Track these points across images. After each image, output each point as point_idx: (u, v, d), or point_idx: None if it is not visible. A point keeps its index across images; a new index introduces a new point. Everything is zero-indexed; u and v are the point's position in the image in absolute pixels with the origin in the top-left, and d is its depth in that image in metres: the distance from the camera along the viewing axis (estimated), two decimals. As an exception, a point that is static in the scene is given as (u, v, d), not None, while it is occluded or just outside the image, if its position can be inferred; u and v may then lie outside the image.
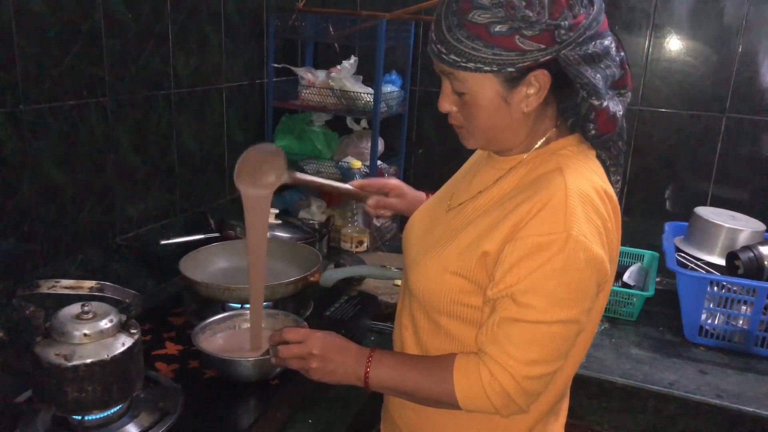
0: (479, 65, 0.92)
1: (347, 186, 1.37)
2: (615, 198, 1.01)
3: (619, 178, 1.08)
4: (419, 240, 1.14)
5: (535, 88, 0.94)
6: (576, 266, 0.90)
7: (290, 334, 1.11)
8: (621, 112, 1.00)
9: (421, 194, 1.39)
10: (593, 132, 1.00)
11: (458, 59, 0.92)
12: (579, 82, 0.94)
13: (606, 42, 0.94)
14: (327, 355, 1.07)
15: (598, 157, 1.06)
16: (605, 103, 0.96)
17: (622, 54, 1.00)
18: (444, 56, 0.94)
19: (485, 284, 0.98)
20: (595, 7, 0.92)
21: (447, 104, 1.01)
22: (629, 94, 1.03)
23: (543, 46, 0.90)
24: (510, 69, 0.91)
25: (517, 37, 0.89)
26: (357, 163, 2.18)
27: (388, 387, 1.05)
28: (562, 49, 0.91)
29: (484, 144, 1.05)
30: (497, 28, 0.89)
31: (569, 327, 0.93)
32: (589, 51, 0.92)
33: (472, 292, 1.00)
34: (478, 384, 0.95)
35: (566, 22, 0.89)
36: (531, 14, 0.88)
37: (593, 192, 0.95)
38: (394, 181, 1.39)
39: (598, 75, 0.94)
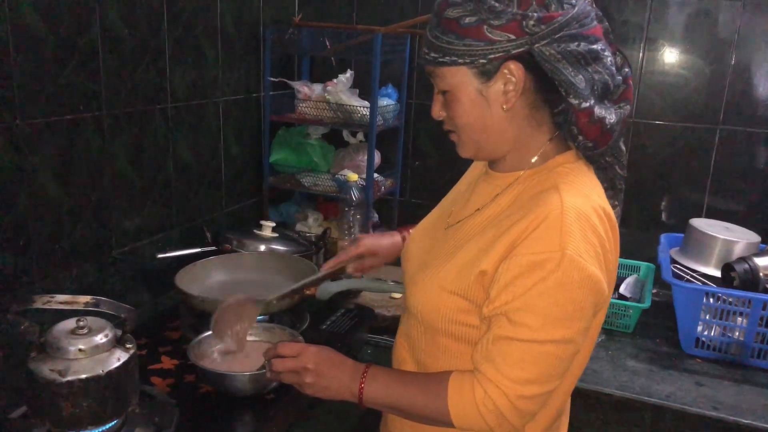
0: (453, 58, 0.94)
1: (323, 272, 1.34)
2: (614, 217, 1.01)
3: (617, 203, 1.07)
4: (418, 258, 1.14)
5: (512, 83, 0.95)
6: (570, 286, 0.90)
7: (284, 349, 1.11)
8: (613, 120, 0.98)
9: (396, 238, 1.35)
10: (580, 138, 0.98)
11: (436, 55, 0.96)
12: (557, 79, 0.93)
13: (595, 47, 0.93)
14: (321, 370, 1.07)
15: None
16: (585, 104, 0.94)
17: (627, 70, 1.01)
18: (426, 56, 0.98)
19: (483, 303, 0.98)
20: (577, 9, 0.92)
21: (437, 108, 1.04)
22: (628, 107, 1.02)
23: (512, 37, 0.91)
24: (482, 60, 0.93)
25: (486, 27, 0.91)
26: (353, 176, 2.18)
27: (382, 403, 1.05)
28: (535, 42, 0.91)
29: (475, 151, 1.04)
30: (466, 20, 0.92)
31: (563, 347, 0.93)
32: (570, 49, 0.91)
33: (470, 311, 1.00)
34: (472, 402, 0.95)
35: (535, 14, 0.90)
36: (497, 5, 0.91)
37: (591, 210, 0.95)
38: (364, 243, 1.34)
39: (581, 76, 0.93)
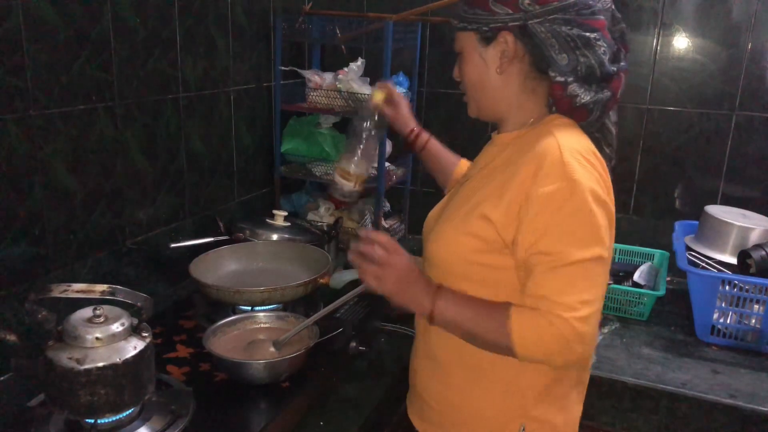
0: (464, 24, 1.11)
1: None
2: (604, 161, 1.10)
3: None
4: (436, 214, 1.25)
5: (506, 51, 1.08)
6: (587, 207, 0.99)
7: (377, 251, 1.10)
8: (585, 100, 1.08)
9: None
10: (554, 109, 1.12)
11: (456, 22, 1.13)
12: (542, 54, 1.06)
13: (587, 34, 1.04)
14: (401, 287, 1.11)
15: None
16: (560, 78, 1.06)
17: (623, 64, 1.11)
18: (453, 23, 1.14)
19: (495, 241, 1.06)
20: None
21: (456, 69, 1.18)
22: (608, 93, 1.10)
23: (510, 11, 1.05)
24: (484, 28, 1.08)
25: (491, 1, 1.06)
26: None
27: (450, 321, 1.09)
28: (529, 19, 1.04)
29: (477, 110, 1.18)
30: None
31: (598, 263, 1.01)
32: (560, 30, 1.04)
33: (484, 250, 1.08)
34: (536, 330, 1.00)
35: None
36: None
37: (584, 149, 1.06)
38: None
39: (565, 55, 1.05)
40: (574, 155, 1.02)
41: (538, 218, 1.00)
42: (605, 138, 1.16)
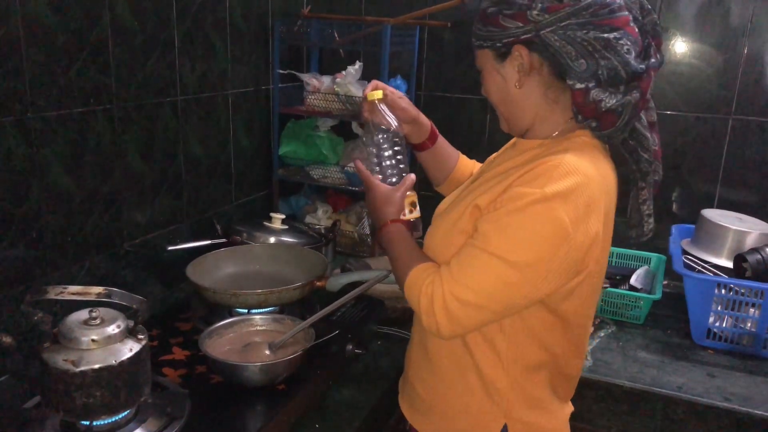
0: (479, 42, 1.11)
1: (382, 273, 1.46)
2: (614, 191, 1.11)
3: (644, 185, 1.14)
4: (442, 210, 1.25)
5: (522, 64, 1.06)
6: (536, 216, 0.99)
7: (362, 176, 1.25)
8: (611, 104, 1.03)
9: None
10: (579, 116, 1.07)
11: (473, 40, 1.13)
12: (558, 62, 1.03)
13: (608, 36, 0.99)
14: (374, 205, 1.24)
15: (629, 167, 1.14)
16: (579, 86, 1.02)
17: (653, 61, 1.05)
18: (472, 42, 1.14)
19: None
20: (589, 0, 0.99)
21: (483, 87, 1.17)
22: (637, 94, 1.04)
23: (520, 24, 1.03)
24: (498, 44, 1.07)
25: (501, 16, 1.05)
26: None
27: (385, 246, 1.21)
28: (540, 29, 1.01)
29: (506, 125, 1.17)
30: (489, 10, 1.07)
31: (507, 269, 1.00)
32: (574, 36, 1.00)
33: None
34: (421, 280, 1.08)
35: (540, 5, 1.01)
36: None
37: (592, 170, 1.03)
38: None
39: (582, 60, 1.01)
40: (570, 174, 1.00)
41: (498, 205, 1.03)
42: (641, 144, 1.11)
